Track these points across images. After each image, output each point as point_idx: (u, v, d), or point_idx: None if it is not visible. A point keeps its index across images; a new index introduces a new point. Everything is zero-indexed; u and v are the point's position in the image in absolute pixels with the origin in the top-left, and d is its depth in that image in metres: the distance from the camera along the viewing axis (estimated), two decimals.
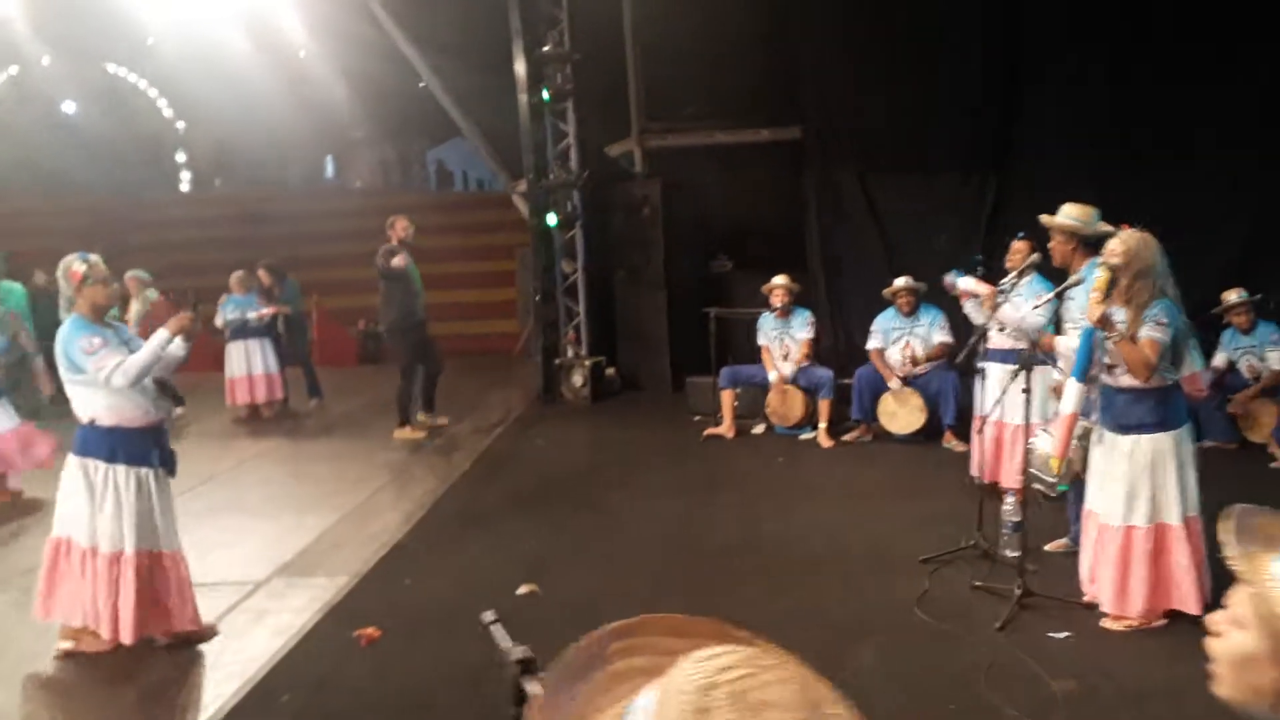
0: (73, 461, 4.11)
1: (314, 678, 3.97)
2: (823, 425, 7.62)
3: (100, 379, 3.97)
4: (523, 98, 9.33)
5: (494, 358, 12.32)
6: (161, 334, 4.13)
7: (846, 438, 7.63)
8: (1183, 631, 3.91)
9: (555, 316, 9.73)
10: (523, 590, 4.79)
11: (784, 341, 7.89)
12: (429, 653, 4.14)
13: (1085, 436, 4.46)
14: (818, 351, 7.97)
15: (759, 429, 8.06)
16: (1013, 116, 8.88)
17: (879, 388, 7.49)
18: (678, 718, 0.72)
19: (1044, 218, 4.84)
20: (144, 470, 4.15)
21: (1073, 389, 4.05)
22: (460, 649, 3.95)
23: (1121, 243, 3.98)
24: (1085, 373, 4.02)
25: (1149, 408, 4.02)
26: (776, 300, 7.81)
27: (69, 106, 23.46)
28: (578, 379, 9.39)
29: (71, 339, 4.02)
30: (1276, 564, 1.33)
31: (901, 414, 7.42)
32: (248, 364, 9.17)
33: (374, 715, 3.71)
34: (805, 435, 7.75)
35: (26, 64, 20.37)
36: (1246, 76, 8.05)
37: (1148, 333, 3.89)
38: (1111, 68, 8.40)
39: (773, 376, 7.82)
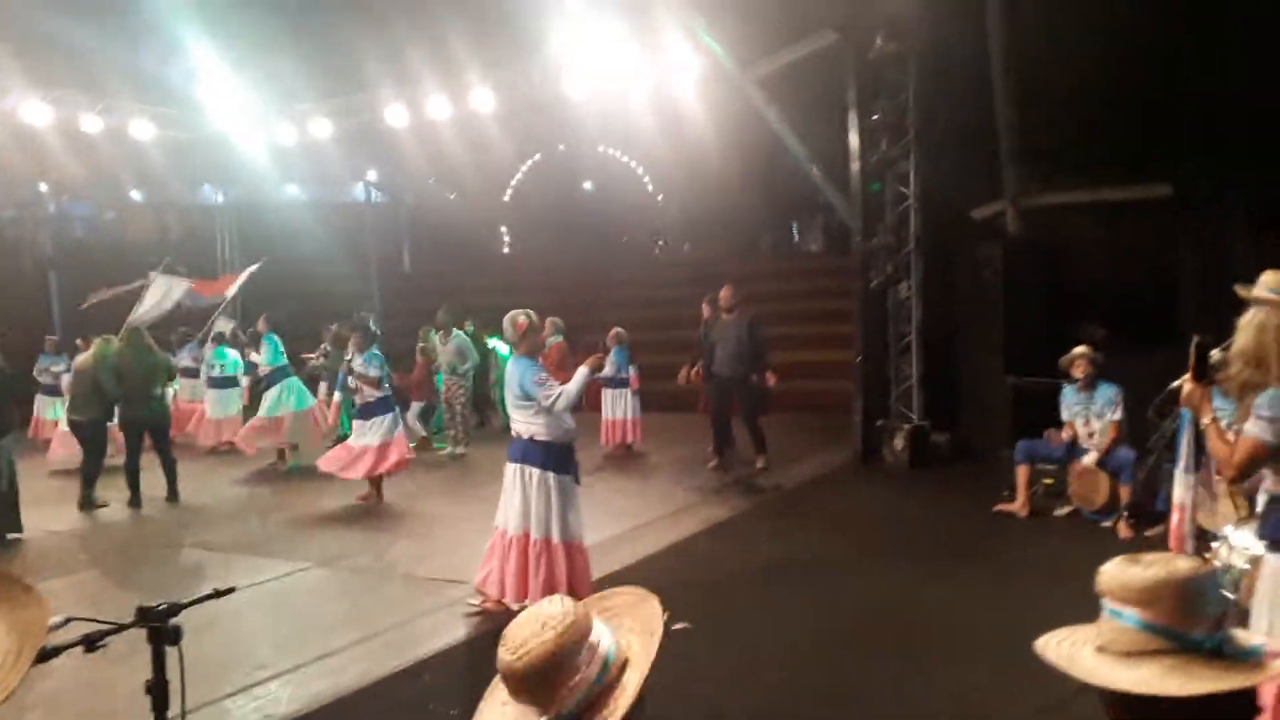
0: (513, 468, 5.39)
1: (461, 665, 4.87)
2: (1123, 513, 6.80)
3: (547, 404, 5.25)
4: (854, 165, 9.61)
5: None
6: (584, 370, 5.44)
7: (1150, 532, 6.71)
8: None
9: (881, 378, 9.73)
10: (677, 626, 5.23)
11: (1087, 418, 7.19)
12: None
13: None
14: (1127, 433, 7.11)
15: (1063, 510, 7.38)
16: None
17: None
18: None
19: (1239, 289, 4.14)
20: (565, 477, 5.39)
21: (1178, 480, 3.55)
22: None
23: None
24: (1186, 463, 3.51)
25: (1270, 519, 3.35)
26: (1078, 372, 7.17)
27: (588, 185, 28.13)
28: (898, 442, 9.31)
29: (527, 374, 5.33)
30: None
31: (1218, 508, 6.34)
32: (613, 409, 10.54)
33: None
34: (1107, 522, 6.96)
35: (547, 151, 24.97)
36: None
37: (1247, 427, 3.28)
38: None
39: (1088, 458, 7.13)
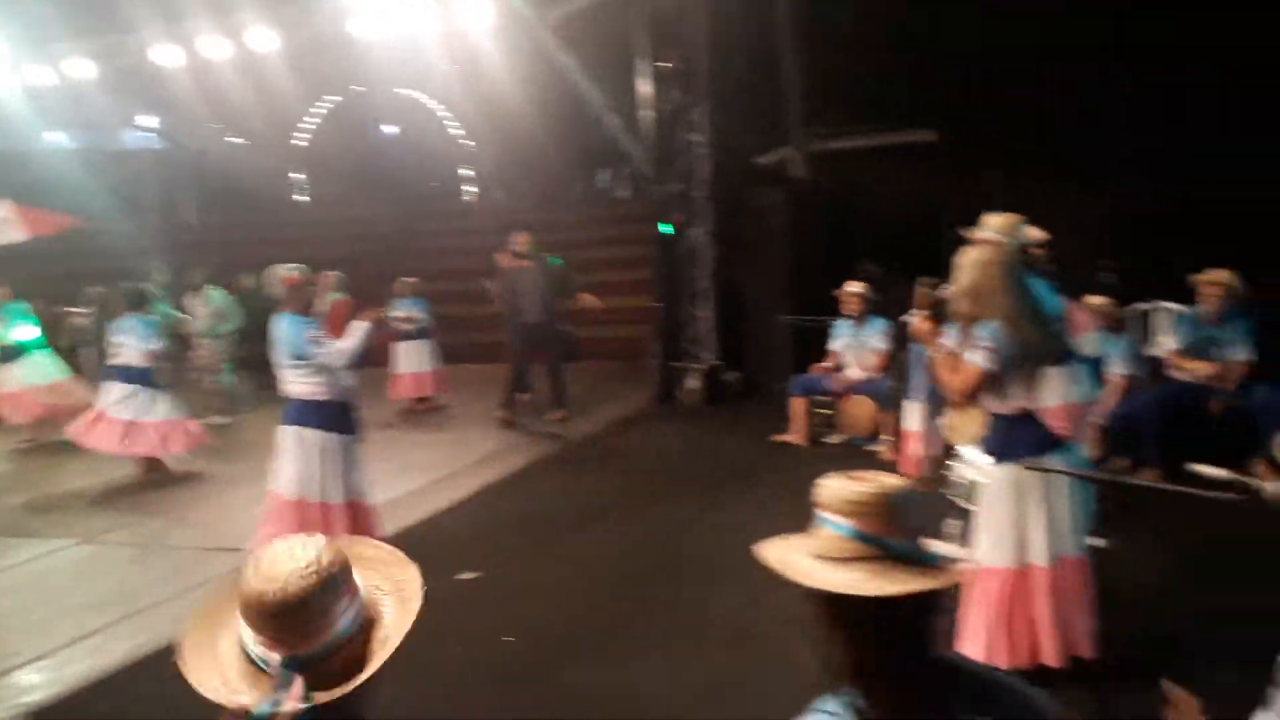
0: (289, 431, 5.16)
1: None
2: (886, 438, 7.34)
3: (325, 362, 5.04)
4: (647, 113, 9.74)
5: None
6: (364, 325, 5.22)
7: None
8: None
9: (676, 321, 10.01)
10: (465, 576, 5.29)
11: (859, 350, 7.69)
12: None
13: None
14: (892, 362, 7.66)
15: (835, 438, 7.90)
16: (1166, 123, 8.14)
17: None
18: None
19: (964, 231, 4.55)
20: (346, 436, 5.22)
21: (909, 409, 3.88)
22: None
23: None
24: (917, 393, 3.84)
25: (993, 436, 3.75)
26: (850, 308, 7.64)
27: (390, 128, 27.10)
28: (692, 383, 9.65)
29: (298, 331, 5.07)
30: None
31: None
32: (409, 362, 10.28)
33: None
34: (872, 447, 7.50)
35: (344, 94, 23.90)
36: None
37: (969, 356, 3.65)
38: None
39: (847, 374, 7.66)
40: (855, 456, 7.41)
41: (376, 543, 1.73)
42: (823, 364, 7.89)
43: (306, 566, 1.45)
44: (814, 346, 8.38)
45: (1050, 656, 3.63)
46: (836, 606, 1.52)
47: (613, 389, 10.73)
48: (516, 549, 5.81)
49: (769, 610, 4.52)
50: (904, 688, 1.53)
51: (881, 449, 7.31)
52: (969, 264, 3.75)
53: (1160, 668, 3.67)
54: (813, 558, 1.57)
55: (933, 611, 1.54)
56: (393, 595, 1.61)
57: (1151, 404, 6.07)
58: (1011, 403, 3.70)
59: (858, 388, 7.63)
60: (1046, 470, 3.44)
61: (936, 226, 9.54)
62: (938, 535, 4.51)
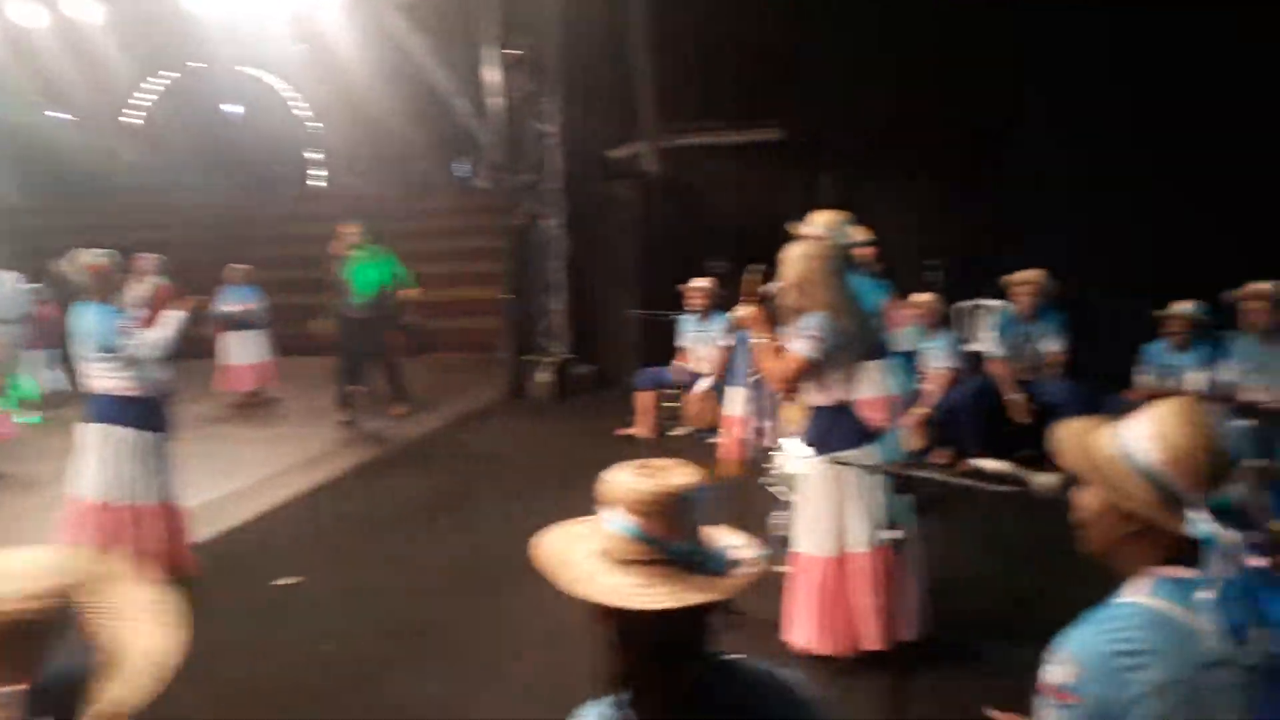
0: (94, 428, 4.76)
1: None
2: (726, 430, 7.43)
3: (135, 354, 4.67)
4: (495, 100, 9.56)
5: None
6: (176, 314, 4.87)
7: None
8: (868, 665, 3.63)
9: (528, 314, 9.87)
10: (284, 581, 5.03)
11: (704, 344, 7.76)
12: None
13: None
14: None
15: (679, 431, 7.96)
16: (1004, 127, 8.55)
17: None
18: None
19: (791, 227, 4.68)
20: (159, 435, 4.87)
21: (732, 396, 3.93)
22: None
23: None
24: (742, 378, 3.89)
25: (812, 427, 3.82)
26: (693, 303, 7.69)
27: (233, 109, 25.74)
28: (544, 376, 9.54)
29: (106, 321, 4.68)
30: None
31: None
32: (239, 354, 9.72)
33: None
34: (714, 439, 7.57)
35: (184, 70, 22.58)
36: None
37: (794, 345, 3.71)
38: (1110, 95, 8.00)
39: (702, 384, 7.71)
40: (698, 449, 7.46)
41: (146, 587, 1.52)
42: (679, 362, 7.93)
43: (49, 589, 1.29)
44: (663, 341, 8.40)
45: (872, 641, 3.72)
46: (608, 613, 1.45)
47: (462, 383, 10.50)
48: (343, 553, 5.58)
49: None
50: (670, 693, 1.48)
51: (722, 440, 7.40)
52: (795, 258, 3.81)
53: (977, 649, 3.86)
54: (593, 555, 1.48)
55: (707, 619, 1.48)
56: (141, 619, 1.43)
57: (969, 397, 6.34)
58: (830, 394, 3.77)
59: (701, 381, 7.68)
60: (848, 465, 3.51)
61: (779, 223, 9.79)
62: (761, 526, 4.60)
